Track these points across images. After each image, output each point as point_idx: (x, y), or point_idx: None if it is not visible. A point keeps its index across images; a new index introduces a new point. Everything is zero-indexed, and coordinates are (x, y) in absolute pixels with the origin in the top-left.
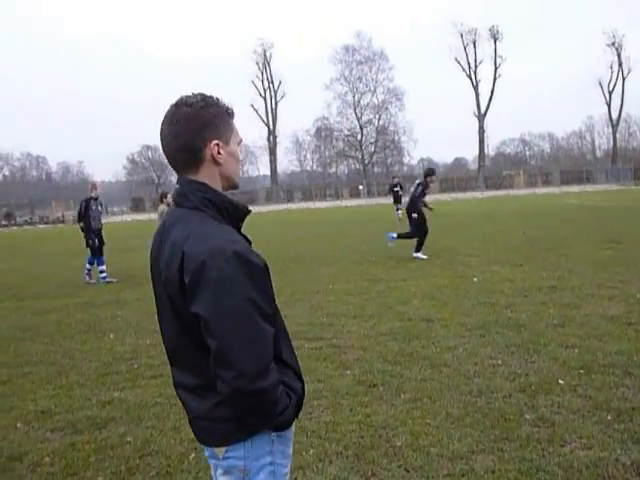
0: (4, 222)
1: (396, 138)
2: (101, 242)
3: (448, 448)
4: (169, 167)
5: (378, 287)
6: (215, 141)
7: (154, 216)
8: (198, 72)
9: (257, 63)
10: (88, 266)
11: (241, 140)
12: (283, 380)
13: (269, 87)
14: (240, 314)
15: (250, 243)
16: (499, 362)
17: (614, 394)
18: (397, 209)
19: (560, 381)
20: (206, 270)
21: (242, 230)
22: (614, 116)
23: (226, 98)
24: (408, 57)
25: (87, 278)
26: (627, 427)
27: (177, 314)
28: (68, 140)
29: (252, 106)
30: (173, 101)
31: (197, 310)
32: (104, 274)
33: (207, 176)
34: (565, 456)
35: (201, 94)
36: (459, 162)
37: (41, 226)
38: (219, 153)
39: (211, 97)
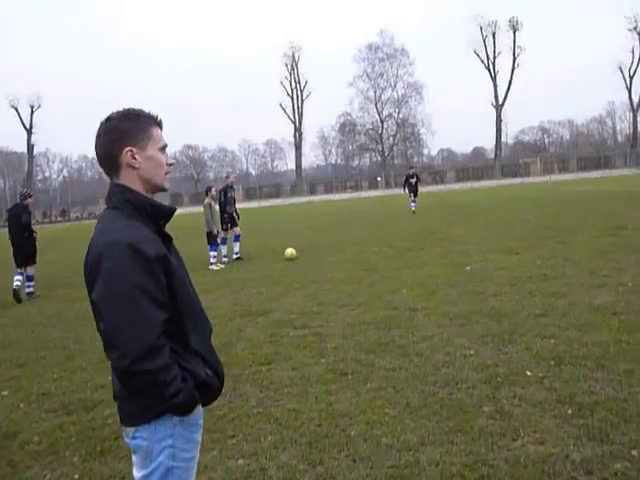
0: (60, 218)
1: (415, 130)
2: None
3: (399, 439)
4: (207, 164)
5: (373, 276)
6: (128, 148)
7: (195, 209)
8: (233, 72)
9: (286, 65)
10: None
11: (165, 145)
12: (184, 365)
13: (296, 87)
14: (126, 299)
15: (170, 239)
16: (471, 352)
17: (580, 387)
18: (412, 201)
19: (528, 372)
20: (102, 260)
21: (166, 228)
22: (635, 100)
23: (257, 96)
24: (428, 51)
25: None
26: (585, 422)
27: (91, 302)
28: None
29: (280, 105)
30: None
31: (93, 297)
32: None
33: (127, 179)
34: (514, 450)
35: (125, 109)
36: (478, 152)
37: (88, 221)
38: (134, 159)
39: (133, 110)
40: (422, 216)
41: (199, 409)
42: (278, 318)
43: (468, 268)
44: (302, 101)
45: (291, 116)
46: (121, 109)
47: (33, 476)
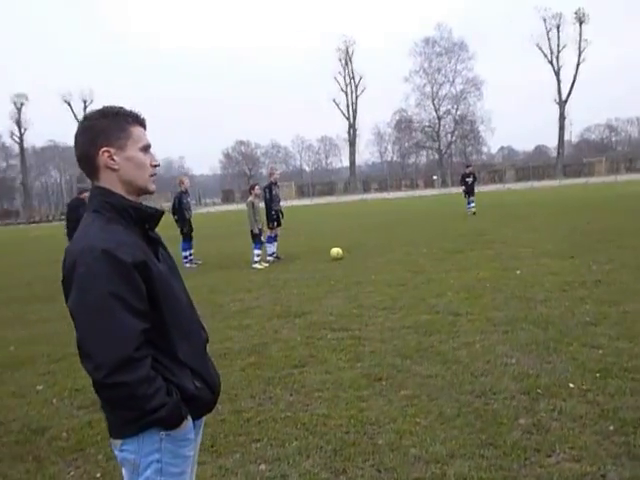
0: None
1: (474, 127)
2: (191, 230)
3: (428, 450)
4: (260, 160)
5: (418, 279)
6: (104, 149)
7: (243, 207)
8: (286, 67)
9: (340, 60)
10: (185, 253)
11: (148, 145)
12: (169, 378)
13: (350, 82)
14: (99, 308)
15: (159, 242)
16: (513, 361)
17: (626, 402)
18: (469, 202)
19: (571, 384)
20: (76, 267)
21: (155, 229)
22: None
23: (310, 92)
24: (487, 46)
25: (188, 265)
26: (627, 440)
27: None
28: (172, 139)
29: (334, 101)
30: None
31: (68, 305)
32: (190, 257)
33: (107, 181)
34: (548, 467)
35: (104, 107)
36: (540, 150)
37: None
38: (112, 160)
39: (112, 108)
40: (475, 217)
41: (189, 423)
42: (316, 320)
43: (518, 272)
44: (356, 97)
45: (345, 112)
46: (100, 107)
47: (57, 472)
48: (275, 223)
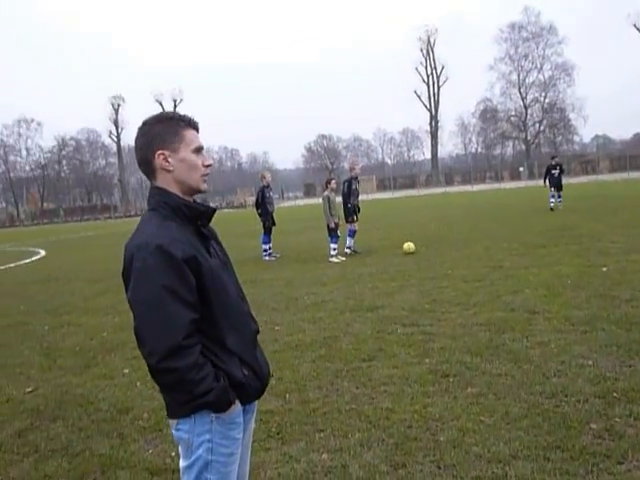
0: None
1: (564, 116)
2: (273, 223)
3: (490, 449)
4: (342, 154)
5: (495, 274)
6: (160, 151)
7: (320, 201)
8: (367, 58)
9: (421, 50)
10: (265, 246)
11: (200, 147)
12: (218, 365)
13: (432, 73)
14: (153, 299)
15: (211, 237)
16: (589, 362)
17: None
18: (553, 195)
19: None
20: (134, 261)
21: (209, 226)
22: None
23: (391, 84)
24: (578, 28)
25: (267, 258)
26: None
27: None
28: (256, 134)
29: (415, 92)
30: None
31: (128, 297)
32: (270, 251)
33: (163, 182)
34: (617, 475)
35: (159, 113)
36: (639, 138)
37: (226, 210)
38: (167, 161)
39: (166, 114)
40: (562, 210)
41: (238, 408)
42: (388, 314)
43: (604, 269)
44: (439, 87)
45: (427, 103)
46: (156, 113)
47: (137, 449)
48: (354, 217)
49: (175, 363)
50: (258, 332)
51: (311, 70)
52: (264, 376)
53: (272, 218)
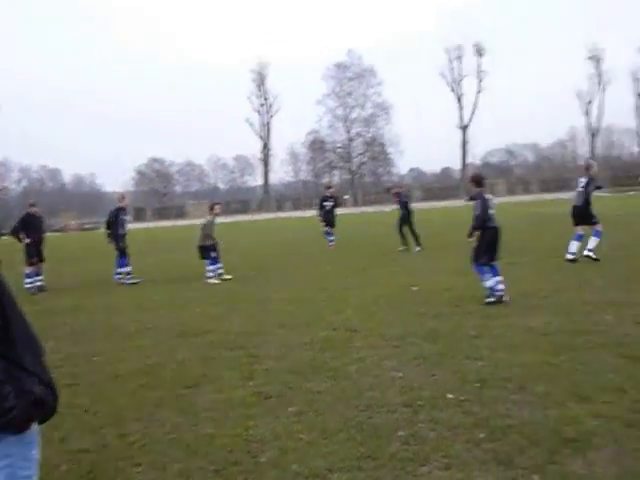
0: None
1: (384, 149)
2: (125, 246)
3: (309, 465)
4: (174, 178)
5: (321, 296)
6: None
7: (160, 224)
8: (201, 85)
9: (253, 81)
10: (122, 269)
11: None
12: (16, 385)
13: (264, 103)
14: None
15: None
16: (400, 375)
17: (497, 410)
18: (327, 233)
19: (449, 395)
20: None
21: None
22: (594, 126)
23: (226, 110)
24: (396, 72)
25: (125, 281)
26: (495, 447)
27: None
28: (82, 153)
29: (247, 121)
30: None
31: None
32: (119, 276)
33: None
34: (420, 477)
35: None
36: (446, 172)
37: (49, 234)
38: None
39: None
40: (377, 234)
41: (36, 426)
42: (214, 339)
43: (415, 289)
44: (270, 117)
45: (259, 132)
46: None
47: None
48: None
49: None
50: (45, 353)
51: (140, 89)
52: (56, 392)
53: (124, 240)
